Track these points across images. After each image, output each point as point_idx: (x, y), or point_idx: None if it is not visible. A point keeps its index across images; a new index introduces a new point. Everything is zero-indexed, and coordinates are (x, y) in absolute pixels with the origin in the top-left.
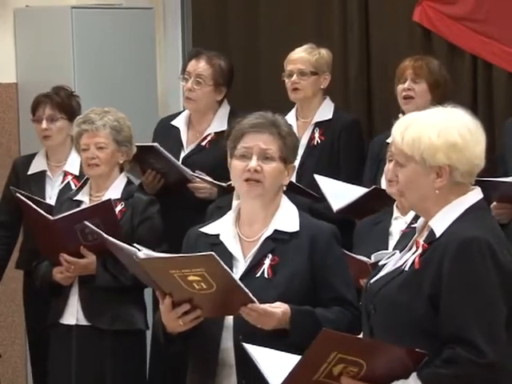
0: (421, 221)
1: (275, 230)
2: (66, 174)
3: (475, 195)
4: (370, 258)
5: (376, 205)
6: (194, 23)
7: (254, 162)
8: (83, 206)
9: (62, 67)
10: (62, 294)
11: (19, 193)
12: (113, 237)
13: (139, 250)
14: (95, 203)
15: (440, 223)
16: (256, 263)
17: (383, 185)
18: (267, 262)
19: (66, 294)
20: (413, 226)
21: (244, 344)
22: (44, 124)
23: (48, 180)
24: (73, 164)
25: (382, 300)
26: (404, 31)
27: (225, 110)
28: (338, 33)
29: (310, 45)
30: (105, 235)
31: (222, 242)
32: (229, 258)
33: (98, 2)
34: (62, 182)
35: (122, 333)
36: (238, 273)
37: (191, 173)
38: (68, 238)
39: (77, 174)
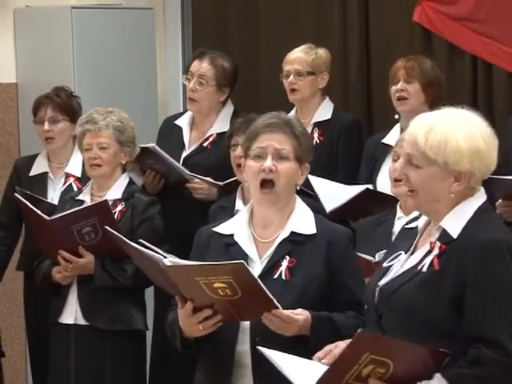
0: (422, 221)
1: (292, 232)
2: (67, 175)
3: (481, 196)
4: (373, 258)
5: (369, 206)
6: (194, 23)
7: (268, 162)
8: (83, 206)
9: (62, 67)
10: (61, 293)
11: (20, 192)
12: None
13: (165, 256)
14: (91, 204)
15: (454, 224)
16: (273, 264)
17: (378, 184)
18: (285, 263)
19: (64, 293)
20: (409, 226)
21: (260, 348)
22: (46, 126)
23: (50, 182)
24: (75, 165)
25: (398, 301)
26: (404, 31)
27: (228, 110)
28: (337, 33)
29: (308, 45)
30: (124, 239)
31: (236, 242)
32: (244, 258)
33: (98, 1)
34: (64, 184)
35: (121, 333)
36: (253, 273)
37: (189, 173)
38: (65, 239)
39: (79, 175)
